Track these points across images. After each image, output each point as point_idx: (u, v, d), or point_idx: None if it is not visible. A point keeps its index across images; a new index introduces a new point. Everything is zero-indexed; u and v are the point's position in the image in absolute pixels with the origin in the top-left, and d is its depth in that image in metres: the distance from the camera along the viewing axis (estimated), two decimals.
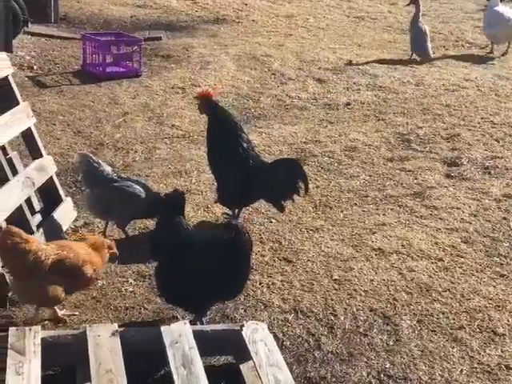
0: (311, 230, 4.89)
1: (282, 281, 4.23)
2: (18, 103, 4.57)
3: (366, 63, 9.12)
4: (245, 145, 4.79)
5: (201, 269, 3.49)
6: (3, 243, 3.46)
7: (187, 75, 8.34)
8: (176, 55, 9.19)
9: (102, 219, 4.74)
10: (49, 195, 4.78)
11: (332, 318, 3.89)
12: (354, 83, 8.33)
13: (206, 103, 4.88)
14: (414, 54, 9.48)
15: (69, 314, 3.76)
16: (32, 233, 4.26)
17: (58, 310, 3.73)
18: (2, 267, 3.62)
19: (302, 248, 4.63)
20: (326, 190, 5.55)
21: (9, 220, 4.15)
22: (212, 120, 4.88)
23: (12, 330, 3.19)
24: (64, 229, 4.61)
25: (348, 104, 7.63)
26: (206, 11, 12.05)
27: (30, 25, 9.56)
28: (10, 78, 4.57)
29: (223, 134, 4.80)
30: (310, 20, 11.72)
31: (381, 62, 9.26)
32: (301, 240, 4.73)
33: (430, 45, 9.42)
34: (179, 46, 9.61)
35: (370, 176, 5.84)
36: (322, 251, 4.60)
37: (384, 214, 5.16)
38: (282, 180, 4.70)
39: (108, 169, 4.65)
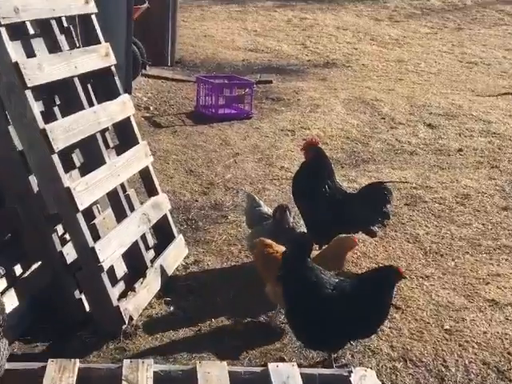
0: (421, 277, 4.79)
1: (390, 328, 4.15)
2: (137, 142, 4.76)
3: (480, 109, 8.94)
4: (330, 182, 4.91)
5: (337, 312, 3.55)
6: (260, 253, 4.06)
7: (297, 118, 8.44)
8: (286, 98, 9.33)
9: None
10: (162, 232, 4.93)
11: (443, 369, 3.78)
12: (467, 129, 8.17)
13: (311, 150, 5.01)
14: None
15: None
16: (146, 268, 4.41)
17: None
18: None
19: (412, 295, 4.54)
20: (437, 236, 5.43)
21: (125, 255, 4.32)
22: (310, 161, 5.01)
23: (126, 362, 3.29)
24: (176, 265, 4.73)
25: (460, 150, 7.48)
26: (316, 55, 12.20)
27: (148, 68, 10.02)
28: (132, 118, 4.78)
29: (312, 172, 4.93)
30: (421, 65, 11.63)
31: (495, 108, 9.05)
32: (410, 287, 4.64)
33: None
34: (289, 89, 9.76)
35: (483, 224, 5.68)
36: (433, 299, 4.49)
37: (498, 265, 4.99)
38: (368, 204, 4.77)
39: (266, 209, 4.85)
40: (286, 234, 4.44)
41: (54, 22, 4.33)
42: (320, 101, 9.11)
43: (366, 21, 15.06)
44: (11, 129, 3.84)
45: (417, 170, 6.91)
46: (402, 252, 5.14)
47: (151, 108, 8.75)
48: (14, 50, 3.75)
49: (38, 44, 4.29)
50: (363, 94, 9.46)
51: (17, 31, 4.04)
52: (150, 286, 4.31)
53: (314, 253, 4.46)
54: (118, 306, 3.89)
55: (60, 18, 4.42)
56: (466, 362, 3.83)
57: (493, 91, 10.10)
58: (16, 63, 3.66)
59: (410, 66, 11.57)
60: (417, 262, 5.01)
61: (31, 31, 4.33)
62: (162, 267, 4.50)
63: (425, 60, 12.00)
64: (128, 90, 8.24)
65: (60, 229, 4.21)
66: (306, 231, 4.71)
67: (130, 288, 4.21)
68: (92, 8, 4.56)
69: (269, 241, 4.20)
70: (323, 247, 4.83)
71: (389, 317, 3.88)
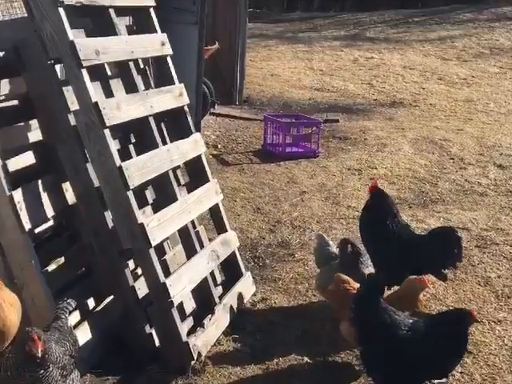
0: (493, 321, 4.67)
1: (461, 373, 4.05)
2: (208, 180, 4.84)
3: None
4: (397, 223, 4.88)
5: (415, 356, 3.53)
6: (337, 289, 4.04)
7: (364, 157, 8.43)
8: (353, 137, 9.34)
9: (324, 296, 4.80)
10: (230, 268, 4.97)
11: None
12: None
13: (375, 191, 5.05)
14: None
15: None
16: (214, 304, 4.44)
17: None
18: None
19: (483, 340, 4.43)
20: (509, 280, 5.30)
21: (194, 290, 4.38)
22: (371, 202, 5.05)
23: None
24: (243, 303, 4.75)
25: None
26: (383, 95, 12.19)
27: (216, 106, 10.20)
28: (203, 157, 4.87)
29: (378, 213, 4.92)
30: (491, 105, 11.47)
31: None
32: (481, 331, 4.53)
33: None
34: (356, 128, 9.77)
35: None
36: (506, 345, 4.37)
37: None
38: (438, 248, 4.70)
39: (335, 249, 4.85)
40: (353, 274, 4.42)
41: (131, 64, 4.49)
42: (387, 140, 9.08)
43: (433, 60, 14.99)
44: (89, 166, 3.97)
45: (487, 211, 6.78)
46: (472, 295, 5.04)
47: (219, 146, 8.89)
48: (94, 91, 3.89)
49: (116, 84, 4.46)
50: (431, 134, 9.38)
51: (96, 72, 4.21)
52: (218, 323, 4.34)
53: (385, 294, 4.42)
54: (187, 341, 3.93)
55: (137, 59, 4.58)
56: None
57: None
58: (96, 103, 3.80)
59: (479, 105, 11.43)
60: (488, 306, 4.90)
61: (109, 72, 4.50)
62: (230, 304, 4.54)
63: (494, 100, 11.82)
64: (197, 129, 8.40)
65: (132, 264, 4.30)
66: (374, 271, 4.68)
67: (198, 324, 4.25)
68: (167, 50, 4.70)
69: (346, 277, 4.18)
70: (393, 288, 4.78)
71: (460, 361, 3.80)
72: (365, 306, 3.67)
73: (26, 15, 3.92)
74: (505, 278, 5.34)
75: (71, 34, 3.80)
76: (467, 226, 6.29)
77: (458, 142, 9.05)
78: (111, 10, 4.33)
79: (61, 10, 3.78)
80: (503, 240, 6.04)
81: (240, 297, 4.73)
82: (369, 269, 4.66)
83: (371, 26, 18.90)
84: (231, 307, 4.54)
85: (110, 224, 4.02)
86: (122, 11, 4.56)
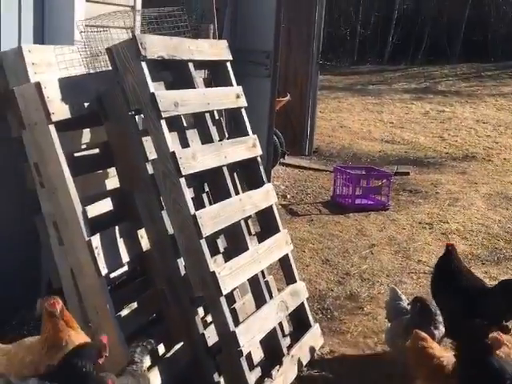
0: None
1: None
2: (278, 230, 4.87)
3: None
4: (466, 275, 4.86)
5: None
6: (414, 346, 3.97)
7: (435, 211, 8.33)
8: (424, 190, 9.26)
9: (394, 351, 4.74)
10: (298, 319, 4.95)
11: None
12: None
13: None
14: None
15: None
16: (282, 355, 4.43)
17: None
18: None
19: None
20: None
21: (263, 340, 4.37)
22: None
23: None
24: (312, 354, 4.72)
25: None
26: (455, 148, 12.09)
27: (286, 157, 10.31)
28: (274, 207, 4.92)
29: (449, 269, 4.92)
30: None
31: None
32: None
33: None
34: (427, 182, 9.69)
35: None
36: None
37: None
38: (501, 299, 4.63)
39: (406, 304, 4.81)
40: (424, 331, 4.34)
41: (207, 115, 4.61)
42: (459, 194, 8.96)
43: (507, 114, 14.80)
44: (164, 214, 4.06)
45: None
46: None
47: (288, 196, 8.95)
48: (171, 141, 4.00)
49: (192, 135, 4.58)
50: (505, 189, 9.22)
51: (174, 123, 4.34)
52: (285, 375, 4.32)
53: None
54: None
55: (213, 111, 4.70)
56: None
57: None
58: (173, 153, 3.90)
59: None
60: None
61: (185, 123, 4.63)
62: (298, 355, 4.51)
63: None
64: (267, 179, 8.48)
65: (202, 311, 4.35)
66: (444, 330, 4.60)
67: (266, 374, 4.23)
68: (242, 102, 4.81)
69: (424, 334, 4.10)
70: None
71: None
72: (474, 351, 3.62)
73: (109, 68, 4.09)
74: None
75: (152, 86, 3.94)
76: None
77: None
78: (190, 64, 4.47)
79: (143, 63, 3.93)
80: None
81: (308, 349, 4.70)
82: (440, 328, 4.57)
83: (442, 80, 18.86)
84: (299, 359, 4.51)
85: (183, 271, 4.07)
86: (200, 65, 4.71)
